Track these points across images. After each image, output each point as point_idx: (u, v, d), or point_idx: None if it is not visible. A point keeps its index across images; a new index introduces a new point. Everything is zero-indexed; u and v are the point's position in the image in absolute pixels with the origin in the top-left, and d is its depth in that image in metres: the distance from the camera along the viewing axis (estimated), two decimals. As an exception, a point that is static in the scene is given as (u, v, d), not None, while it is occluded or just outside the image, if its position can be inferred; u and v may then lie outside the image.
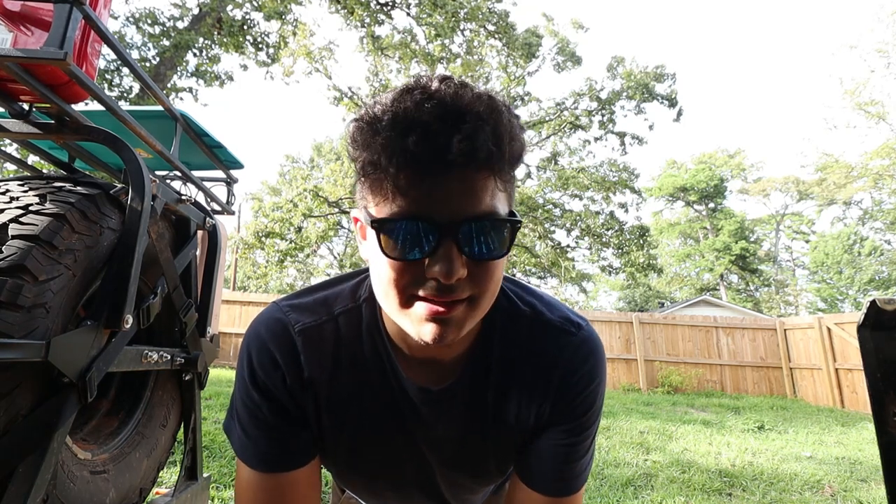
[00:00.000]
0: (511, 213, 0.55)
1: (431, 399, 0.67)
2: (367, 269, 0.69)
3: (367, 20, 12.56)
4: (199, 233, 1.93)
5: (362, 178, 0.54)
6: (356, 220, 0.62)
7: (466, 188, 0.50)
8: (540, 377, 0.67)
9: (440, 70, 14.27)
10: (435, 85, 0.51)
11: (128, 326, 1.28)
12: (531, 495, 0.68)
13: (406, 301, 0.54)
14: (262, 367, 0.64)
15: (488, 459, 0.72)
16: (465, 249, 0.51)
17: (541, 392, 0.67)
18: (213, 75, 10.36)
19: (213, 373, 7.97)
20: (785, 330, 10.23)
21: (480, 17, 12.93)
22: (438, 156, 0.48)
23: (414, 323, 0.55)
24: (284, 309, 0.68)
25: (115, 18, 9.56)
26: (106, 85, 8.79)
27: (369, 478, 0.76)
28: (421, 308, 0.53)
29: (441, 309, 0.53)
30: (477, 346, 0.67)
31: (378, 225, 0.52)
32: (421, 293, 0.53)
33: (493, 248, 0.52)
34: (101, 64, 8.49)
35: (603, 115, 16.69)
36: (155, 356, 1.57)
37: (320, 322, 0.66)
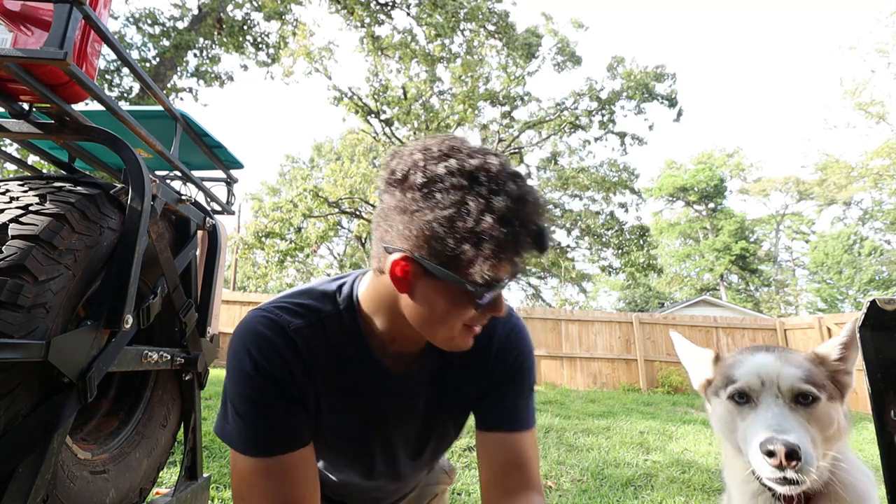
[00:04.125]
0: None
1: (404, 379, 0.82)
2: (339, 278, 0.84)
3: (367, 20, 12.56)
4: (199, 233, 1.93)
5: (480, 249, 0.63)
6: (405, 263, 0.67)
7: None
8: (486, 358, 0.85)
9: (440, 70, 14.28)
10: (535, 187, 0.68)
11: (128, 326, 1.28)
12: (495, 437, 0.83)
13: (464, 330, 0.72)
14: (267, 358, 0.71)
15: (448, 422, 0.89)
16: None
17: (488, 369, 0.85)
18: (213, 75, 10.36)
19: (213, 373, 7.95)
20: (785, 330, 10.23)
21: (480, 17, 12.93)
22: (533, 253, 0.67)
23: (457, 339, 0.72)
24: (274, 312, 0.75)
25: (115, 18, 9.56)
26: (106, 85, 8.79)
27: (346, 454, 0.87)
28: (468, 331, 0.72)
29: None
30: None
31: (486, 287, 0.65)
32: (473, 324, 0.72)
33: None
34: (101, 64, 8.48)
35: (603, 115, 16.69)
36: (155, 356, 1.57)
37: (310, 324, 0.76)
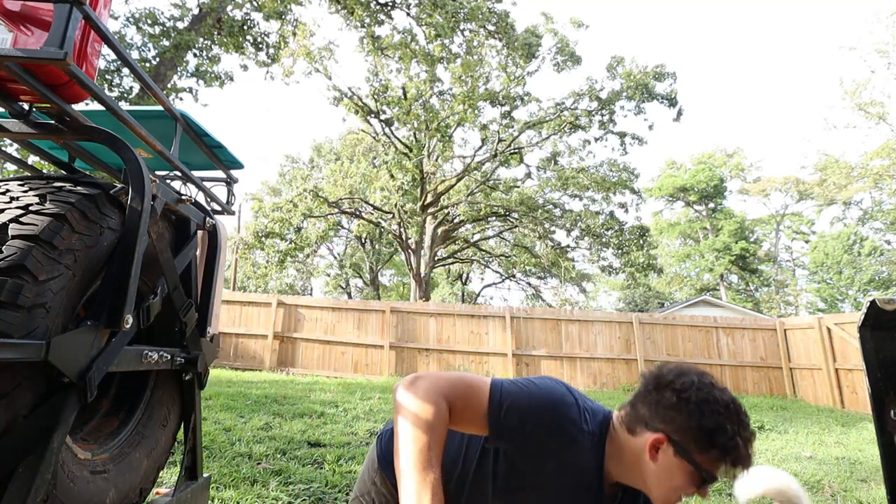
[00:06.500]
0: None
1: (609, 495, 1.09)
2: (599, 410, 1.11)
3: (367, 20, 12.56)
4: (199, 233, 1.93)
5: (725, 457, 0.93)
6: (663, 440, 0.97)
7: None
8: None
9: (440, 70, 14.27)
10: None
11: (128, 326, 1.28)
12: None
13: (677, 498, 0.97)
14: (549, 415, 1.02)
15: None
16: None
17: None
18: (213, 75, 10.35)
19: (213, 373, 7.96)
20: (785, 330, 10.23)
21: (480, 17, 12.93)
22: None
23: (670, 501, 0.98)
24: (580, 410, 1.06)
25: (115, 18, 9.55)
26: (106, 85, 8.79)
27: None
28: (678, 499, 0.97)
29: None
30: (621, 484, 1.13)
31: (709, 476, 0.94)
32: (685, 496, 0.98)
33: None
34: (101, 64, 8.48)
35: (603, 115, 16.69)
36: (155, 356, 1.57)
37: (580, 430, 1.04)
